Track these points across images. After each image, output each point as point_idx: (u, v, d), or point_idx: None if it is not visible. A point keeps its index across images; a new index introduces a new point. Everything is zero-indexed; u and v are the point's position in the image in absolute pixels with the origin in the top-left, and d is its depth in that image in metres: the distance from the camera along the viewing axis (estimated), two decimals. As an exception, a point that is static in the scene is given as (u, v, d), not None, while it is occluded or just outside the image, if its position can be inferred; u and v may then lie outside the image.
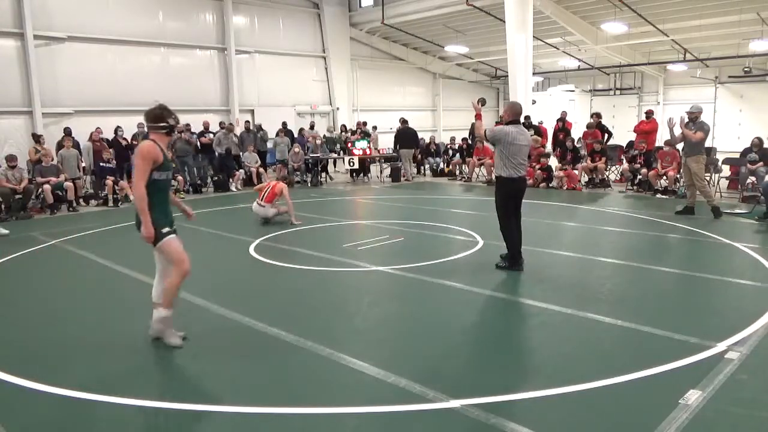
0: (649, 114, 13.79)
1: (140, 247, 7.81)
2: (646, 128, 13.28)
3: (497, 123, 18.20)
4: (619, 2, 15.83)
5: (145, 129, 4.24)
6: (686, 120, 8.81)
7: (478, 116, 6.11)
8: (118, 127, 13.33)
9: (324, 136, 17.02)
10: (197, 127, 14.53)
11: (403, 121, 16.20)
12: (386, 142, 17.72)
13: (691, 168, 8.93)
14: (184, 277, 4.05)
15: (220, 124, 15.05)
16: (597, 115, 14.20)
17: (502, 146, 5.86)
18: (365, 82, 21.99)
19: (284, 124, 16.45)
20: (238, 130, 15.54)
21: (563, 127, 14.24)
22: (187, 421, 3.18)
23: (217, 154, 13.94)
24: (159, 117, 4.03)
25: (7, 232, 8.43)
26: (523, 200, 6.13)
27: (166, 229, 3.99)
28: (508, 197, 6.02)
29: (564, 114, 15.27)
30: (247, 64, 17.96)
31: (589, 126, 14.07)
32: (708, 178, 10.39)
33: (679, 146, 9.91)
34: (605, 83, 25.80)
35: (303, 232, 8.59)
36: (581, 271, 6.16)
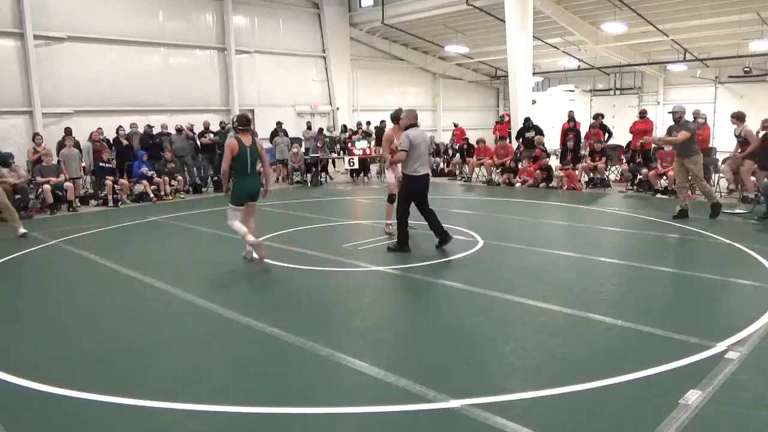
0: (643, 114, 13.92)
1: (140, 247, 7.88)
2: (642, 128, 13.30)
3: (497, 123, 18.25)
4: (619, 2, 15.82)
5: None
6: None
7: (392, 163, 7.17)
8: (120, 126, 13.33)
9: (324, 135, 17.03)
10: (198, 127, 14.51)
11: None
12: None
13: (690, 170, 8.82)
14: None
15: (221, 123, 15.04)
16: (600, 116, 14.21)
17: (409, 150, 6.59)
18: (365, 82, 21.98)
19: (279, 123, 16.33)
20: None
21: (573, 127, 14.15)
22: (187, 421, 3.18)
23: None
24: (249, 120, 5.94)
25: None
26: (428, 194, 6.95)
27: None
28: (413, 193, 6.80)
29: (571, 114, 15.20)
30: (247, 64, 17.95)
31: (592, 126, 14.05)
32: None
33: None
34: (605, 83, 25.78)
35: (303, 232, 8.60)
36: (581, 271, 6.16)
